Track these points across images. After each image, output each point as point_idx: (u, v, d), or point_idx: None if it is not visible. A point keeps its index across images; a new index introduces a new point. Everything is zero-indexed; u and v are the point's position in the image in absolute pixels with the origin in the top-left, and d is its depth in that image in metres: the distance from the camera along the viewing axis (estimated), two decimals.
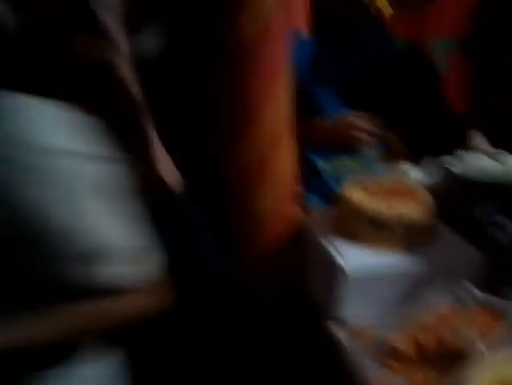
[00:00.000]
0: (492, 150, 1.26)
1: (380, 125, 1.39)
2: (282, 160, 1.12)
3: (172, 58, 1.12)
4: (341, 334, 0.98)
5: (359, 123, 1.35)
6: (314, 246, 1.09)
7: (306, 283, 1.13)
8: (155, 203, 0.93)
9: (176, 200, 1.12)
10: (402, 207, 1.04)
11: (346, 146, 1.41)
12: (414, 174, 1.34)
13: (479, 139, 1.38)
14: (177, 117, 1.12)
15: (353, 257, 1.00)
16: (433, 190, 1.16)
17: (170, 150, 1.08)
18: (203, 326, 1.17)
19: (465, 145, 1.39)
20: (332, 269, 1.01)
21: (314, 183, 1.50)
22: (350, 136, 1.36)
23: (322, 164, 1.51)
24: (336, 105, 1.48)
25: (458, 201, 1.20)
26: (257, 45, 1.02)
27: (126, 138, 0.86)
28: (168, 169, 1.11)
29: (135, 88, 1.04)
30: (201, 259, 1.22)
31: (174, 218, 1.12)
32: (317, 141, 1.42)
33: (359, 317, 1.00)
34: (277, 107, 1.07)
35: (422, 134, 1.48)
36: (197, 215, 1.20)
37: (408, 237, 1.03)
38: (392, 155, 1.40)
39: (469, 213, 1.22)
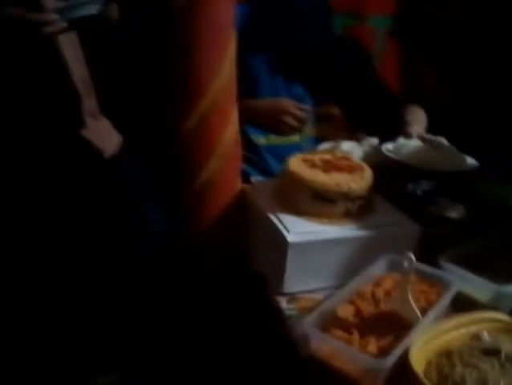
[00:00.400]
0: (428, 135, 1.31)
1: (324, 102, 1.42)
2: (227, 132, 1.11)
3: (118, 33, 1.09)
4: (284, 303, 1.00)
5: (292, 109, 1.39)
6: (258, 217, 1.10)
7: (251, 253, 1.14)
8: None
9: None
10: (343, 180, 1.06)
11: (276, 130, 1.45)
12: (353, 149, 1.37)
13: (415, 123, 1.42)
14: (125, 91, 1.09)
15: (296, 228, 1.01)
16: (371, 165, 1.19)
17: (118, 121, 1.06)
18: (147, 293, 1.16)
19: (401, 123, 1.43)
20: (276, 240, 1.02)
21: (251, 157, 1.51)
22: (281, 121, 1.41)
23: (255, 137, 1.52)
24: (269, 72, 1.48)
25: (394, 177, 1.25)
26: (202, 10, 0.99)
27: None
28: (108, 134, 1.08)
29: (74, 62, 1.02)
30: (144, 225, 1.21)
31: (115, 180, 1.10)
32: (250, 121, 1.45)
33: (301, 286, 1.02)
34: (222, 78, 1.05)
35: (358, 108, 1.51)
36: (140, 181, 1.18)
37: (349, 208, 1.06)
38: (333, 129, 1.43)
39: (404, 187, 1.27)
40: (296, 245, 0.99)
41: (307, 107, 1.41)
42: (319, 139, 1.47)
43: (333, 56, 1.46)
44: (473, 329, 0.85)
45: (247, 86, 1.40)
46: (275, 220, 1.04)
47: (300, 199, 1.07)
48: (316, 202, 1.05)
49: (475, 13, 1.37)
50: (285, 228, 1.02)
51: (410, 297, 0.86)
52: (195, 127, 1.07)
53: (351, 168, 1.11)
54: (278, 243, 1.01)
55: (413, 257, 0.85)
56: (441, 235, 1.12)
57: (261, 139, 1.54)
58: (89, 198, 1.05)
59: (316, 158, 1.14)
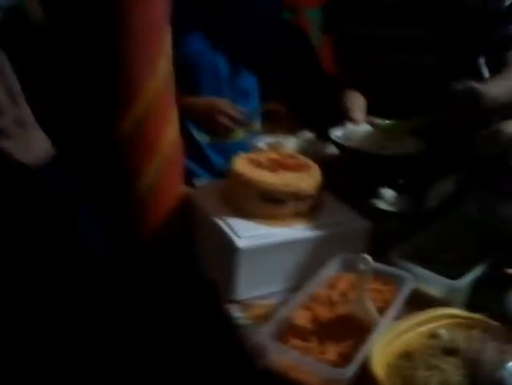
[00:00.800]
0: (373, 119, 1.29)
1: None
2: (166, 134, 1.04)
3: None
4: (237, 312, 0.95)
5: (226, 109, 1.39)
6: (205, 222, 1.04)
7: (199, 260, 1.09)
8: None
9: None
10: (292, 179, 1.02)
11: (213, 129, 1.45)
12: (296, 145, 1.34)
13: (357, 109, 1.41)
14: (56, 96, 1.00)
15: (245, 232, 0.97)
16: (318, 161, 1.16)
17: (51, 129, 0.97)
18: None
19: (343, 109, 1.41)
20: (224, 246, 0.97)
21: (195, 155, 1.46)
22: (216, 121, 1.41)
23: (198, 134, 1.46)
24: (212, 67, 1.43)
25: (343, 172, 1.22)
26: (133, 5, 0.92)
27: None
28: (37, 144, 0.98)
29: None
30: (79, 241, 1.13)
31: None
32: (190, 119, 1.44)
33: (253, 292, 0.98)
34: (158, 77, 0.99)
35: (302, 96, 1.48)
36: (72, 193, 1.10)
37: (299, 208, 1.02)
38: (278, 126, 1.39)
39: (353, 184, 1.25)
40: (246, 250, 0.95)
41: (242, 109, 1.39)
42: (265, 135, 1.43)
43: (279, 42, 1.43)
44: (430, 327, 0.84)
45: (188, 81, 1.35)
46: (223, 225, 0.99)
47: (248, 201, 1.02)
48: (265, 203, 1.01)
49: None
50: (234, 232, 0.97)
51: (367, 300, 0.84)
52: (132, 130, 1.00)
53: (298, 167, 1.08)
54: (227, 249, 0.96)
55: (369, 258, 0.82)
56: (390, 230, 1.11)
57: (204, 137, 1.49)
58: (9, 212, 0.95)
59: (262, 157, 1.10)
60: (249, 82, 1.45)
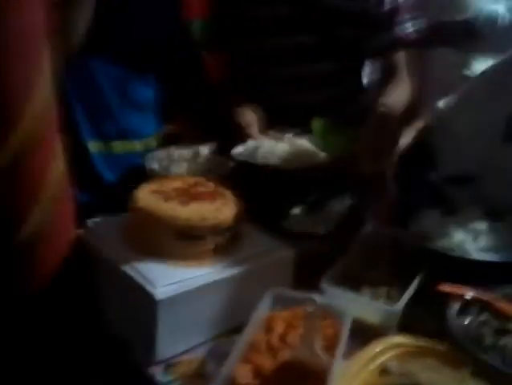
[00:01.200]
0: (277, 132, 1.22)
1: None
2: (51, 170, 0.86)
3: None
4: (162, 374, 0.81)
5: None
6: (109, 270, 0.89)
7: (107, 317, 0.92)
8: None
9: None
10: (207, 211, 0.90)
11: None
12: (193, 161, 1.23)
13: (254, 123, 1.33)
14: None
15: (161, 280, 0.83)
16: (219, 180, 1.06)
17: None
18: None
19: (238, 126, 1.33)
20: (137, 298, 0.83)
21: (88, 180, 1.25)
22: None
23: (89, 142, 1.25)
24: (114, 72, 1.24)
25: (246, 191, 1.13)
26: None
27: None
28: None
29: None
30: None
31: None
32: None
33: (177, 347, 0.85)
34: (37, 102, 0.80)
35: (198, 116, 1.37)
36: None
37: (219, 243, 0.91)
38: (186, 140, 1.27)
39: (260, 204, 1.17)
40: (166, 301, 0.81)
41: None
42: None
43: (175, 50, 1.29)
44: (380, 362, 0.78)
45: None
46: (133, 273, 0.84)
47: (159, 240, 0.89)
48: (180, 242, 0.88)
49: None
50: (148, 281, 0.82)
51: (317, 343, 0.75)
52: (8, 168, 0.80)
53: (209, 195, 0.96)
54: (143, 302, 0.82)
55: (316, 298, 0.73)
56: (309, 253, 1.04)
57: (95, 145, 1.27)
58: None
59: (166, 187, 0.96)
60: (144, 92, 1.28)
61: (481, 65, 1.38)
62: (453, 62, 1.40)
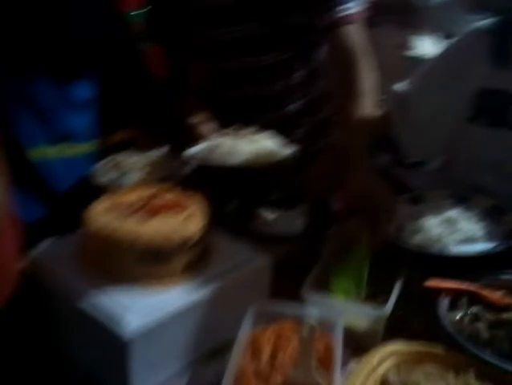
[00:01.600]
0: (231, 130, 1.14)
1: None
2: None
3: None
4: None
5: None
6: (66, 304, 0.78)
7: (68, 353, 0.81)
8: None
9: None
10: (173, 228, 0.80)
11: None
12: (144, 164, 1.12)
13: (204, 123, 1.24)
14: None
15: (130, 312, 0.73)
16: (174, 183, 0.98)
17: None
18: None
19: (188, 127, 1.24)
20: (104, 335, 0.73)
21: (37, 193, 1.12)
22: None
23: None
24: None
25: (216, 195, 1.04)
26: None
27: None
28: None
29: None
30: None
31: None
32: None
33: (152, 380, 0.75)
34: None
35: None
36: None
37: (188, 260, 0.81)
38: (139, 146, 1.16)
39: (223, 206, 1.09)
40: (136, 339, 0.71)
41: None
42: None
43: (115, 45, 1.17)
44: (380, 374, 0.72)
45: None
46: (94, 311, 0.74)
47: (121, 265, 0.79)
48: (144, 264, 0.79)
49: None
50: (112, 320, 0.72)
51: (312, 365, 0.68)
52: None
53: (171, 208, 0.86)
54: (109, 342, 0.72)
55: (315, 324, 0.66)
56: (283, 257, 0.96)
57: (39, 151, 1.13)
58: None
59: (123, 204, 0.86)
60: (83, 91, 1.14)
61: (423, 46, 1.36)
62: (395, 43, 1.36)
